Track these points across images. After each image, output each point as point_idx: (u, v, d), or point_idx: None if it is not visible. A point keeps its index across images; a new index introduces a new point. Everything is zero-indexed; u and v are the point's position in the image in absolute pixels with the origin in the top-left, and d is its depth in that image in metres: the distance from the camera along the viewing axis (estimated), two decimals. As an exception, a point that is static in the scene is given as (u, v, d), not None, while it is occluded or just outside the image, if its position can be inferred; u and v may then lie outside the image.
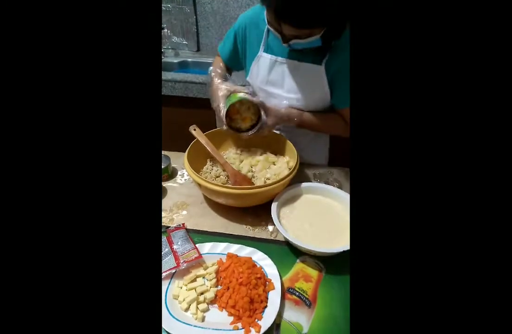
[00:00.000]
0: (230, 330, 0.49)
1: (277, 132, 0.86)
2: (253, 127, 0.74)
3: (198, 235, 0.67)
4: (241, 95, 0.70)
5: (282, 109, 0.75)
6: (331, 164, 0.98)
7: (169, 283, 0.55)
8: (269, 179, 0.74)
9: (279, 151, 0.83)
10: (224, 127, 0.72)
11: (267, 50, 0.77)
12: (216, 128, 0.85)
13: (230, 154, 0.83)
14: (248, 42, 0.79)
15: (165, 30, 1.70)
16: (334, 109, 0.80)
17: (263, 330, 0.48)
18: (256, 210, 0.73)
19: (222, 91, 0.71)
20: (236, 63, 0.87)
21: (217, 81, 0.76)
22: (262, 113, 0.72)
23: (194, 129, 0.78)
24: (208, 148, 0.77)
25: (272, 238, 0.68)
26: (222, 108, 0.70)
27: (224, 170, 0.77)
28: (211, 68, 0.82)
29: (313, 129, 0.83)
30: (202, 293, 0.54)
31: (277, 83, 0.78)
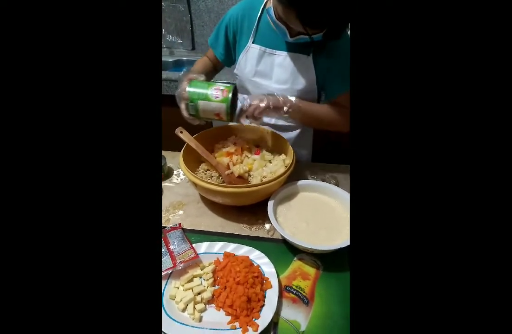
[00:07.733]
0: (227, 329, 0.49)
1: (266, 127, 0.85)
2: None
3: (194, 235, 0.67)
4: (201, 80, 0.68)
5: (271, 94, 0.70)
6: (314, 161, 0.99)
7: (166, 284, 0.55)
8: (265, 177, 0.73)
9: (275, 149, 0.83)
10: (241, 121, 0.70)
11: (256, 41, 0.77)
12: (212, 127, 0.85)
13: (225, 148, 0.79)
14: (240, 34, 0.79)
15: (160, 29, 1.70)
16: (326, 101, 0.80)
17: (260, 329, 0.48)
18: (252, 209, 0.72)
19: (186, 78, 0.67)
20: (230, 59, 0.86)
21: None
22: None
23: (181, 132, 0.73)
24: (198, 150, 0.74)
25: (269, 236, 0.68)
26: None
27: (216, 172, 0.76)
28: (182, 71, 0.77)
29: (309, 119, 0.78)
30: (199, 293, 0.54)
31: (265, 74, 0.79)
